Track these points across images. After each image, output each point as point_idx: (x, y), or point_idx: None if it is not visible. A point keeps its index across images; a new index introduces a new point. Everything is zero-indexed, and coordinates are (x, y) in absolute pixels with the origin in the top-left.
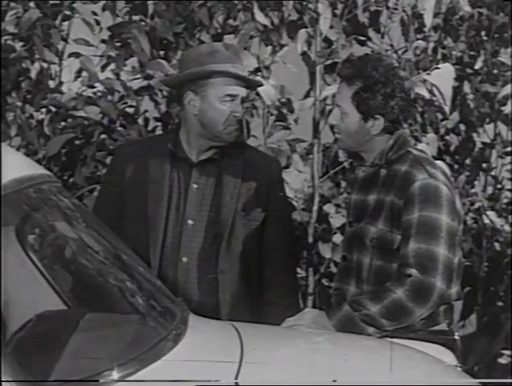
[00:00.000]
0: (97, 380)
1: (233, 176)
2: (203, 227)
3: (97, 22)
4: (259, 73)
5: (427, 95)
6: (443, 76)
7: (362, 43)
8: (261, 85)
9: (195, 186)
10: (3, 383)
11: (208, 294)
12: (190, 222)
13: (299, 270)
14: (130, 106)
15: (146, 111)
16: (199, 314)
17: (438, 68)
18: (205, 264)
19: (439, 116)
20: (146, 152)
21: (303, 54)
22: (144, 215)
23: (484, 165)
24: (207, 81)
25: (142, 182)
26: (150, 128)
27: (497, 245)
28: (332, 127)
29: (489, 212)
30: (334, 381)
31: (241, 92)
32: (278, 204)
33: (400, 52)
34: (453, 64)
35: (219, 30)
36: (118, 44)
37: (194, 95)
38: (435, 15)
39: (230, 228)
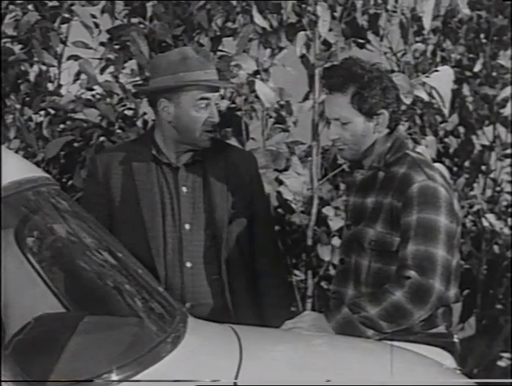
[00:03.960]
0: (92, 380)
1: (218, 176)
2: (200, 229)
3: (96, 25)
4: (258, 76)
5: (426, 97)
6: (443, 79)
7: (361, 46)
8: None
9: (184, 189)
10: (2, 384)
11: (217, 296)
12: (187, 226)
13: (298, 273)
14: (129, 108)
15: (144, 113)
16: (210, 316)
17: (437, 71)
18: (209, 266)
19: (439, 118)
20: (127, 159)
21: (302, 56)
22: (140, 224)
23: (483, 167)
24: (180, 89)
25: (130, 190)
26: None
27: (496, 248)
28: (333, 142)
29: (488, 215)
30: (328, 381)
31: (215, 96)
32: (259, 199)
33: (399, 55)
34: (452, 67)
35: (218, 33)
36: (117, 47)
37: (168, 102)
38: (434, 18)
39: (227, 228)
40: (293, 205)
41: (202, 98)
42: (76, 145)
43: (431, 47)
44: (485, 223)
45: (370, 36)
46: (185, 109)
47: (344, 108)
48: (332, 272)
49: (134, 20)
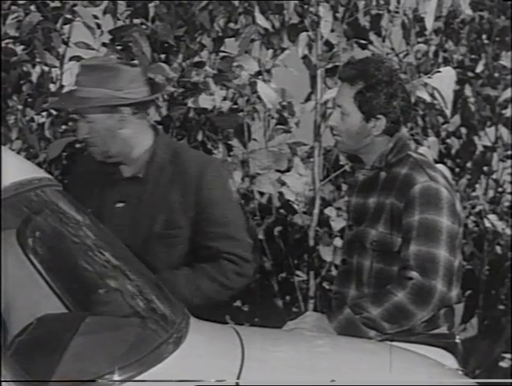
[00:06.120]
0: (94, 380)
1: (158, 189)
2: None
3: (98, 26)
4: (260, 76)
5: (428, 98)
6: (445, 80)
7: (363, 47)
8: None
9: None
10: (3, 384)
11: None
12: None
13: (300, 273)
14: None
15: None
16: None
17: (439, 72)
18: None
19: (441, 119)
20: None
21: (304, 57)
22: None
23: (485, 168)
24: None
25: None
26: None
27: (498, 249)
28: (331, 129)
29: (490, 216)
30: (333, 381)
31: None
32: (205, 214)
33: (401, 56)
34: (454, 68)
35: (220, 34)
36: (119, 48)
37: None
38: (437, 18)
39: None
40: (295, 206)
41: None
42: (77, 146)
43: (433, 48)
44: (487, 224)
45: (372, 37)
46: None
47: (347, 100)
48: (334, 272)
49: (136, 21)
